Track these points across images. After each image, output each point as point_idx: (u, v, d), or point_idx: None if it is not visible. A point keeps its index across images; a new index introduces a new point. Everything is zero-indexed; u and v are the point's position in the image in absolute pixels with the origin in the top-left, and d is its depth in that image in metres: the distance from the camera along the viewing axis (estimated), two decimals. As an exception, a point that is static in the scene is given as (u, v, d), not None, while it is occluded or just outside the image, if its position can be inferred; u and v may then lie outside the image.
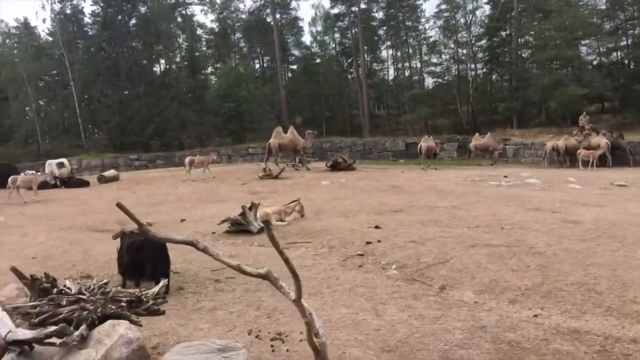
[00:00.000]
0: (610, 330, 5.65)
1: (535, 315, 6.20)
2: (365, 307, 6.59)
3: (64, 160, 24.72)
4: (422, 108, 42.97)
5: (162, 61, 46.82)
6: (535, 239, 9.57)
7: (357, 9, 48.86)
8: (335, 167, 21.75)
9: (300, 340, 5.60)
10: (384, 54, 54.66)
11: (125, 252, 7.17)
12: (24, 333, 4.43)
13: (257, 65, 57.78)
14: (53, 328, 4.18)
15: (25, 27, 51.88)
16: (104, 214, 14.04)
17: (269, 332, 5.73)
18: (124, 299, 4.59)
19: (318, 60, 54.83)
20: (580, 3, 39.98)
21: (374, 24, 51.23)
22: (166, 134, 42.20)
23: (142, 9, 44.18)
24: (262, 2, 50.35)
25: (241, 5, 55.05)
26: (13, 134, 44.33)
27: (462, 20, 45.19)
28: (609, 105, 39.92)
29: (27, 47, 46.28)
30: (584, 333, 5.56)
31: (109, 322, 4.29)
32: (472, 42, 45.02)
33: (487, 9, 45.38)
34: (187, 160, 22.22)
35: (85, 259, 8.97)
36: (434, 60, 48.58)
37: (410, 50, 51.13)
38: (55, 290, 4.94)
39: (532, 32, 38.89)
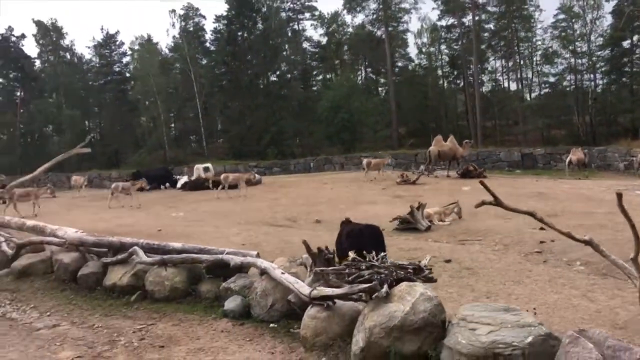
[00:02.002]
0: None
1: None
2: (574, 294, 7.21)
3: (209, 165, 27.01)
4: (538, 119, 42.27)
5: (278, 74, 49.02)
6: None
7: (468, 20, 49.00)
8: (465, 174, 22.27)
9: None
10: (493, 64, 54.30)
11: (345, 238, 8.17)
12: (332, 290, 5.51)
13: (360, 77, 59.08)
14: (363, 285, 5.21)
15: (149, 43, 56.25)
16: (268, 211, 15.46)
17: (498, 310, 6.49)
18: (410, 267, 5.56)
19: (424, 72, 55.23)
20: None
21: (485, 34, 50.84)
22: (281, 143, 44.22)
23: (261, 25, 46.65)
24: (374, 16, 51.51)
25: (347, 19, 56.80)
26: (144, 142, 48.31)
27: (581, 30, 43.93)
28: None
29: (155, 62, 50.15)
30: None
31: (405, 283, 5.25)
32: (592, 52, 43.66)
33: (608, 18, 43.97)
34: (364, 162, 24.23)
35: (289, 246, 10.15)
36: (549, 70, 47.54)
37: (522, 61, 50.32)
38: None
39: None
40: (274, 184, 21.94)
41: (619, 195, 4.25)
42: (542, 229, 11.62)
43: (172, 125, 53.85)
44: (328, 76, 59.40)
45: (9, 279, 8.40)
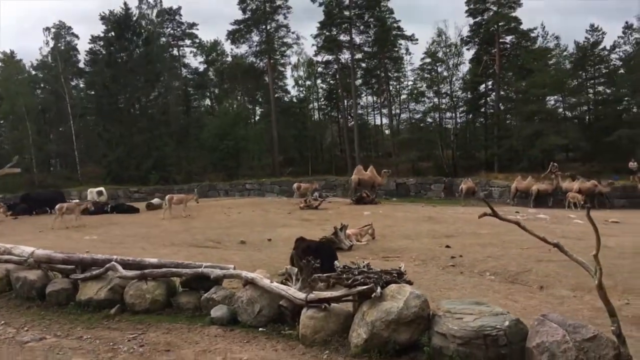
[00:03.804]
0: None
1: (627, 302, 8.38)
2: (498, 297, 8.62)
3: (102, 189, 26.11)
4: (409, 151, 46.04)
5: (159, 99, 48.27)
6: (584, 256, 11.82)
7: (343, 58, 52.38)
8: (359, 201, 23.92)
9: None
10: (365, 99, 58.15)
11: (301, 253, 8.96)
12: (331, 293, 6.34)
13: (237, 106, 59.88)
14: (362, 287, 6.10)
15: (11, 60, 52.33)
16: (186, 234, 15.69)
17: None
18: (394, 272, 6.54)
19: (301, 104, 57.34)
20: (550, 62, 44.47)
21: (359, 71, 54.33)
22: (163, 168, 43.53)
23: (143, 49, 45.86)
24: (257, 48, 52.90)
25: (227, 48, 57.83)
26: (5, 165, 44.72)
27: (445, 74, 48.92)
28: (577, 154, 43.79)
29: (22, 81, 47.10)
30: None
31: (394, 285, 6.22)
32: (454, 93, 48.88)
33: (467, 64, 49.54)
34: (295, 186, 26.35)
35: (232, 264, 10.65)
36: (417, 107, 52.05)
37: (392, 99, 54.49)
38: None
39: (514, 88, 42.90)
40: (176, 208, 21.85)
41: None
42: (448, 247, 13.33)
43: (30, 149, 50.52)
44: (205, 103, 59.62)
45: (-41, 299, 8.06)
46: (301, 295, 6.50)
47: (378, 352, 5.77)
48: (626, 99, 41.79)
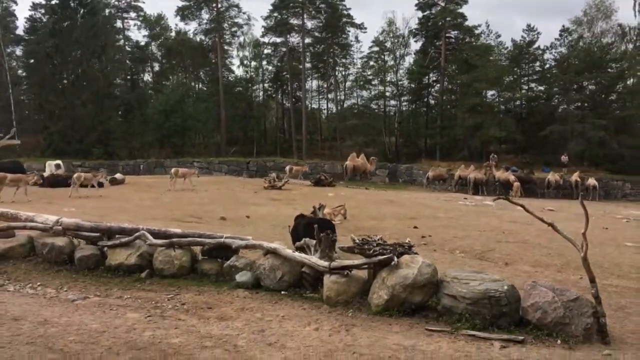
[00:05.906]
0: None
1: (581, 278, 9.82)
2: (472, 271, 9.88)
3: (59, 162, 25.86)
4: (356, 136, 47.50)
5: (104, 71, 47.08)
6: (535, 239, 13.41)
7: (291, 41, 52.91)
8: (318, 183, 24.96)
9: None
10: (311, 84, 58.94)
11: (302, 229, 9.86)
12: (353, 261, 7.31)
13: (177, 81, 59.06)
14: (382, 257, 7.10)
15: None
16: (163, 209, 16.16)
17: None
18: (406, 245, 7.59)
19: (246, 84, 57.38)
20: (491, 58, 47.03)
21: (307, 53, 55.05)
22: (108, 143, 42.83)
23: (88, 19, 44.53)
24: (207, 26, 52.48)
25: (171, 23, 57.10)
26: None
27: (391, 63, 50.66)
28: (511, 147, 46.72)
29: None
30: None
31: (406, 255, 7.27)
32: (399, 82, 50.70)
33: (413, 55, 51.45)
34: (287, 167, 26.83)
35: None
36: (363, 94, 53.56)
37: (339, 85, 55.67)
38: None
39: (459, 81, 45.17)
40: (138, 183, 22.05)
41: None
42: (415, 227, 14.57)
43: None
44: (145, 78, 58.48)
45: (-18, 263, 8.39)
46: (324, 263, 7.42)
47: (397, 310, 6.81)
48: (557, 96, 44.91)
